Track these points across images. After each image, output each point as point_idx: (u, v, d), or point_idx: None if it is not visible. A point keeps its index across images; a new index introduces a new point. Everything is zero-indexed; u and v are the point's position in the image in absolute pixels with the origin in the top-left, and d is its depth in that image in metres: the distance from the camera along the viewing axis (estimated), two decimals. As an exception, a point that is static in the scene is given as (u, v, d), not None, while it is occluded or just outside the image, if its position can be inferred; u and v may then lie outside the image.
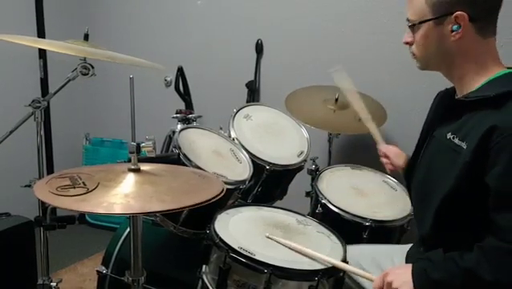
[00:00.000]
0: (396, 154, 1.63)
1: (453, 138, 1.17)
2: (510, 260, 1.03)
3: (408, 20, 1.22)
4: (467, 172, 1.10)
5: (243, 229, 1.38)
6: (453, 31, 1.14)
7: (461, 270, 1.07)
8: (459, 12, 1.11)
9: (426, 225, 1.25)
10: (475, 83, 1.18)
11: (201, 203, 1.13)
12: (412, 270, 1.15)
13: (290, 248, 1.32)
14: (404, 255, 1.43)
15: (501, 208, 1.06)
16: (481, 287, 1.06)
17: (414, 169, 1.36)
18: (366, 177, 2.02)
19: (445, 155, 1.19)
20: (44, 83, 3.03)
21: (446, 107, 1.28)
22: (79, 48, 1.56)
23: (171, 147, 1.75)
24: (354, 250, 1.41)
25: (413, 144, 1.46)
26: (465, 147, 1.11)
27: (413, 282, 1.13)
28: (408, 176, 1.42)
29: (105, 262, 1.78)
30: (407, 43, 1.25)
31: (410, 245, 1.46)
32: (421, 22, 1.17)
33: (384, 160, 1.68)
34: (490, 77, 1.17)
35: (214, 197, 1.17)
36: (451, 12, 1.12)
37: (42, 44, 1.72)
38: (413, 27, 1.20)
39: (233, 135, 1.90)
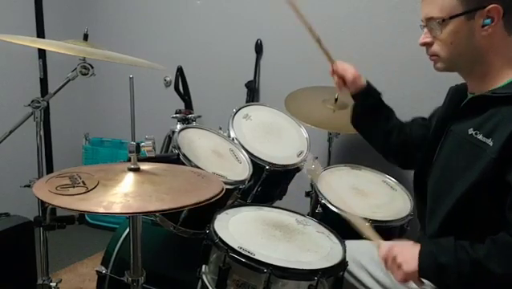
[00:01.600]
0: (346, 65, 1.55)
1: (476, 134, 1.13)
2: None
3: (429, 19, 1.16)
4: (492, 169, 1.07)
5: (243, 229, 1.38)
6: (483, 26, 1.10)
7: (471, 260, 1.05)
8: (493, 5, 1.08)
9: (436, 223, 1.23)
10: (499, 80, 1.15)
11: (201, 203, 1.12)
12: (420, 251, 1.13)
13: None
14: None
15: None
16: (488, 279, 1.05)
17: (429, 167, 1.32)
18: (366, 177, 2.02)
19: (467, 151, 1.16)
20: (44, 83, 3.03)
21: (465, 103, 1.23)
22: (78, 48, 1.56)
23: (170, 147, 1.75)
24: (353, 245, 1.41)
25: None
26: (491, 144, 1.08)
27: (419, 262, 1.11)
28: (421, 173, 1.38)
29: (105, 262, 1.78)
30: (425, 44, 1.20)
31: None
32: (452, 18, 1.11)
33: (335, 77, 1.58)
34: None
35: (214, 197, 1.17)
36: (483, 6, 1.09)
37: (41, 44, 1.72)
38: (441, 24, 1.13)
39: (232, 135, 1.90)
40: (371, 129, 1.60)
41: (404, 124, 1.57)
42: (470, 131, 1.15)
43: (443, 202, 1.21)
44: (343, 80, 1.57)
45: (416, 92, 2.21)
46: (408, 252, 1.14)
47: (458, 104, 1.27)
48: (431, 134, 1.37)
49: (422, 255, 1.12)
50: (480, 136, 1.12)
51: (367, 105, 1.56)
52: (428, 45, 1.20)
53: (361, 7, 2.35)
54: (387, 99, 2.21)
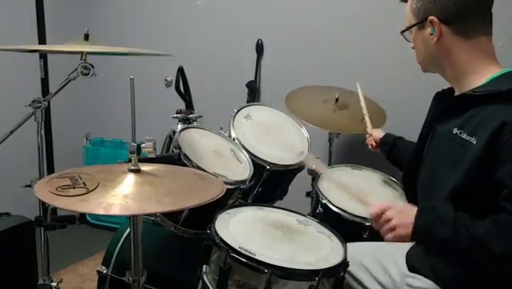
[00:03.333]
0: (376, 131, 1.92)
1: (460, 133, 1.17)
2: None
3: None
4: (477, 167, 1.10)
5: (243, 229, 1.38)
6: (431, 35, 1.23)
7: (470, 235, 1.06)
8: (431, 17, 1.21)
9: None
10: (475, 81, 1.20)
11: (200, 204, 1.12)
12: (416, 217, 1.14)
13: None
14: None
15: None
16: (486, 257, 1.06)
17: (418, 166, 1.36)
18: (366, 177, 2.02)
19: (451, 150, 1.19)
20: (44, 83, 3.03)
21: (448, 103, 1.28)
22: (80, 46, 1.56)
23: (171, 147, 1.75)
24: (354, 247, 1.41)
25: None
26: (474, 142, 1.12)
27: (414, 228, 1.12)
28: (409, 173, 1.41)
29: (105, 262, 1.78)
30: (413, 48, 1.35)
31: (411, 244, 1.45)
32: (408, 28, 1.30)
33: (371, 139, 1.93)
34: (493, 75, 1.19)
35: (214, 198, 1.17)
36: (425, 17, 1.23)
37: (43, 49, 1.72)
38: (404, 33, 1.33)
39: (233, 135, 1.90)
40: (397, 163, 1.83)
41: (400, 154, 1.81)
42: (455, 130, 1.19)
43: (432, 199, 1.23)
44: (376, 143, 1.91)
45: (416, 93, 2.20)
46: (404, 216, 1.16)
47: (445, 104, 1.31)
48: (419, 135, 1.41)
49: (419, 223, 1.13)
50: (464, 135, 1.16)
51: (385, 151, 1.86)
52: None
53: (362, 8, 2.35)
54: (387, 99, 2.22)
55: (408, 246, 1.46)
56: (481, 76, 1.20)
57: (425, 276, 1.28)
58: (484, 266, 1.11)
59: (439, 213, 1.13)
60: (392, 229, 1.16)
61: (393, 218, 1.16)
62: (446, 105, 1.29)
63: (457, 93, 1.28)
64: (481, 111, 1.14)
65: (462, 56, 1.22)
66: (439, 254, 1.14)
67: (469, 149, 1.13)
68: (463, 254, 1.09)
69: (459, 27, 1.21)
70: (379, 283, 1.38)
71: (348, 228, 1.67)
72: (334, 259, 1.30)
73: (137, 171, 1.23)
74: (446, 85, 1.36)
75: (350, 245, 1.41)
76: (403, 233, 1.14)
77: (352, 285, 1.41)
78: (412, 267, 1.34)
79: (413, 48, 1.34)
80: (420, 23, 1.25)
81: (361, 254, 1.43)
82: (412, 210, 1.16)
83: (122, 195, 1.11)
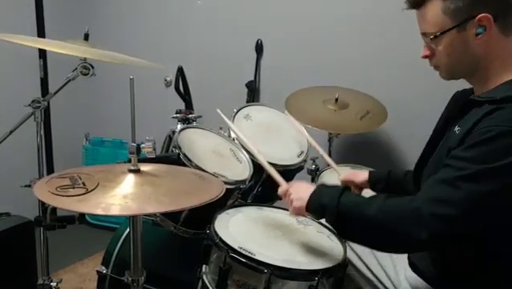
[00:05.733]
0: (353, 173, 1.69)
1: (457, 130, 1.15)
2: (397, 212, 1.09)
3: (424, 34, 1.19)
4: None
5: (243, 229, 1.38)
6: (477, 35, 1.12)
7: (352, 202, 1.17)
8: (483, 14, 1.09)
9: None
10: (496, 83, 1.17)
11: (200, 204, 1.13)
12: (311, 191, 1.25)
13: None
14: None
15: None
16: (362, 220, 1.12)
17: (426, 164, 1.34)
18: (366, 177, 2.01)
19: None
20: (44, 83, 3.03)
21: (462, 107, 1.25)
22: (80, 49, 1.56)
23: (171, 147, 1.75)
24: None
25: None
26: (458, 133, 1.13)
27: (308, 200, 1.24)
28: (418, 172, 1.39)
29: (105, 262, 1.78)
30: (426, 57, 1.23)
31: None
32: (444, 33, 1.14)
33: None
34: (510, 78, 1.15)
35: (213, 198, 1.17)
36: (473, 16, 1.10)
37: (43, 44, 1.72)
38: (434, 40, 1.16)
39: (233, 135, 1.90)
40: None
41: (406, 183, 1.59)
42: (455, 128, 1.17)
43: None
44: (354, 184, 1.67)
45: (417, 93, 2.21)
46: (301, 191, 1.28)
47: (460, 107, 1.29)
48: (432, 134, 1.38)
49: (311, 195, 1.24)
50: (460, 134, 1.14)
51: (379, 189, 1.63)
52: (429, 57, 1.23)
53: (362, 8, 2.35)
54: (387, 99, 2.22)
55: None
56: (499, 80, 1.15)
57: (423, 271, 1.29)
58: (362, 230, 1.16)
59: (329, 186, 1.27)
60: (291, 202, 1.28)
61: (292, 193, 1.29)
62: (459, 109, 1.25)
63: (475, 94, 1.24)
64: (476, 111, 1.12)
65: (503, 55, 1.14)
66: (327, 219, 1.24)
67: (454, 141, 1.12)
68: (343, 217, 1.16)
69: (504, 23, 1.12)
70: (377, 278, 1.39)
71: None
72: (333, 259, 1.30)
73: (137, 171, 1.23)
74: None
75: None
76: (298, 205, 1.26)
77: (354, 277, 1.42)
78: (411, 262, 1.35)
79: (427, 56, 1.22)
80: (462, 24, 1.11)
81: (360, 247, 1.43)
82: (310, 188, 1.27)
83: (121, 195, 1.11)
